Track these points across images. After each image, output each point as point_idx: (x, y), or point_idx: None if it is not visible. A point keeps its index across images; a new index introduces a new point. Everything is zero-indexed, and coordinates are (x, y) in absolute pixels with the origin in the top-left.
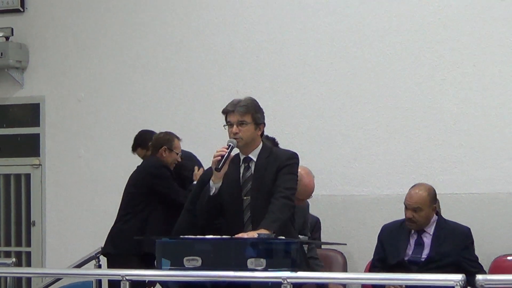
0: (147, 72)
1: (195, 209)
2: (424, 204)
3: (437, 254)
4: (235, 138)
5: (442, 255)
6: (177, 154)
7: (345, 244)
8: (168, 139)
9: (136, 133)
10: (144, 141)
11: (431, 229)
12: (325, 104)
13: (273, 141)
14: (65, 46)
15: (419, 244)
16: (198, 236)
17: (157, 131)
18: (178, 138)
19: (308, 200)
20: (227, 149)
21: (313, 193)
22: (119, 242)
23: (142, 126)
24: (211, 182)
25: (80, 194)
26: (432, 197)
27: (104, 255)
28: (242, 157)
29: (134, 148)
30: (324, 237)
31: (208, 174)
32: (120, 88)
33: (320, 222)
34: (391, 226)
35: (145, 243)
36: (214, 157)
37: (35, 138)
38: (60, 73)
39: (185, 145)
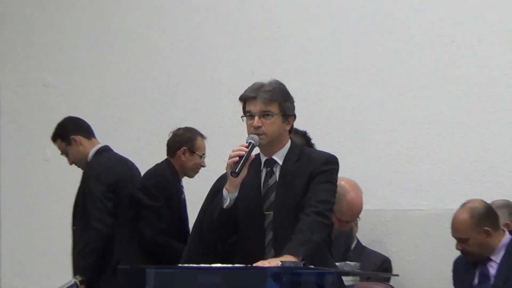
0: (135, 49)
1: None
2: (466, 231)
3: (504, 286)
4: (256, 134)
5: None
6: (201, 156)
7: (398, 275)
8: (189, 138)
9: (121, 129)
10: (65, 132)
11: (498, 256)
12: (366, 91)
13: (303, 136)
14: (28, 16)
15: (484, 275)
16: (202, 265)
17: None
18: (202, 136)
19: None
20: (247, 147)
21: None
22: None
23: (128, 120)
24: (224, 191)
25: (46, 209)
26: (479, 219)
27: None
28: (263, 159)
29: (54, 139)
30: (370, 266)
31: (221, 181)
32: (100, 71)
33: (390, 263)
34: (461, 257)
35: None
36: (230, 157)
37: None
38: (21, 51)
39: None
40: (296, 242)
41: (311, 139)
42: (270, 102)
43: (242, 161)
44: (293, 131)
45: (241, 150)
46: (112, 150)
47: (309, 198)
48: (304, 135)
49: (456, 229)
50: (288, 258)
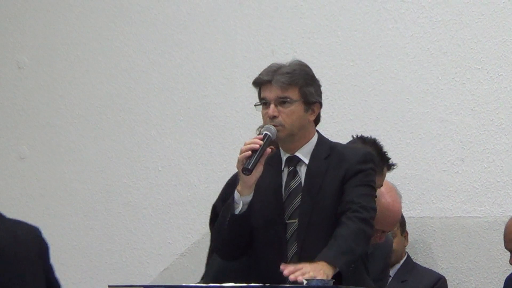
0: (130, 23)
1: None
2: None
3: None
4: (273, 125)
5: None
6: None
7: None
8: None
9: (115, 122)
10: None
11: None
12: (410, 73)
13: (373, 145)
14: None
15: None
16: (210, 285)
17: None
18: None
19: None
20: (262, 140)
21: None
22: None
23: (121, 111)
24: (236, 194)
25: (23, 215)
26: None
27: None
28: (285, 156)
29: None
30: (422, 286)
31: (233, 182)
32: (88, 49)
33: (445, 283)
34: None
35: None
36: (242, 151)
37: None
38: None
39: (190, 138)
40: (336, 249)
41: (382, 147)
42: (288, 86)
43: (256, 156)
44: (359, 138)
45: (254, 143)
46: None
47: (349, 203)
48: (374, 144)
49: (510, 240)
50: (323, 267)
